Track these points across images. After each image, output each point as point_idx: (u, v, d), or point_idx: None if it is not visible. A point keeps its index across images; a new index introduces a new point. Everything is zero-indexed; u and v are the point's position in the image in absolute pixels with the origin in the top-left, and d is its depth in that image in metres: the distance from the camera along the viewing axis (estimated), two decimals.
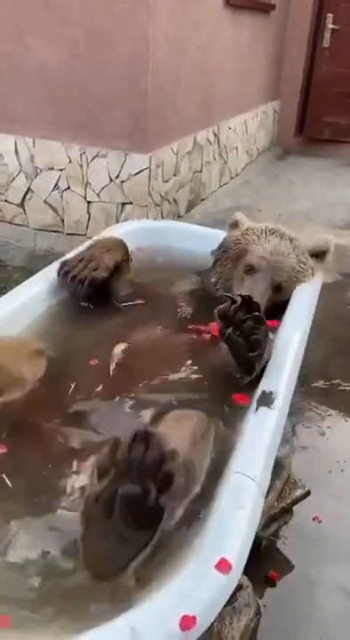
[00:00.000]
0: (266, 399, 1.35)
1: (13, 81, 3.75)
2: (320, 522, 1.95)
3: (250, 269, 1.95)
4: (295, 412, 2.42)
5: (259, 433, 1.25)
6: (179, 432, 1.28)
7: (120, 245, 2.12)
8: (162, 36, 3.53)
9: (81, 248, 2.09)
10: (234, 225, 2.19)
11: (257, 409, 1.32)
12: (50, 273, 2.00)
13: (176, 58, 3.81)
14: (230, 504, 1.05)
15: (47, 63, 3.64)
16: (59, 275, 1.97)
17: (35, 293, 1.92)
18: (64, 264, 1.99)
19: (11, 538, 1.13)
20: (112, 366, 1.65)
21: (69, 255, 2.06)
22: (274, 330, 1.70)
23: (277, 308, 1.91)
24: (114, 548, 1.06)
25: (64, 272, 1.96)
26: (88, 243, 2.13)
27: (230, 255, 2.08)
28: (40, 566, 1.09)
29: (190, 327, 1.89)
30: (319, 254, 2.11)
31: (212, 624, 1.42)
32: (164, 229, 2.54)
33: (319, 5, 6.36)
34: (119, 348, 1.73)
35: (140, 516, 1.03)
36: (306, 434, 2.38)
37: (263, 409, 1.32)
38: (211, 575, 0.92)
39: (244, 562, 1.01)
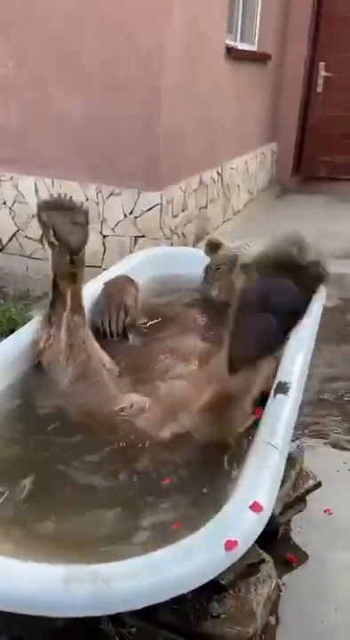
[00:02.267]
0: (283, 388, 1.58)
1: (36, 128, 4.10)
2: (330, 514, 2.15)
3: (245, 269, 2.27)
4: (305, 422, 2.64)
5: (279, 413, 1.47)
6: None
7: (130, 282, 2.41)
8: (171, 85, 3.89)
9: (99, 293, 2.34)
10: (216, 246, 2.56)
11: (275, 395, 1.55)
12: None
13: (184, 104, 4.16)
14: (259, 464, 1.27)
15: (67, 111, 3.99)
16: (104, 335, 2.19)
17: None
18: (100, 324, 2.21)
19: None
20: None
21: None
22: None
23: None
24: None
25: (103, 330, 2.20)
26: (101, 286, 2.37)
27: (224, 268, 2.40)
28: None
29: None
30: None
31: (240, 591, 1.62)
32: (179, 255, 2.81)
33: (312, 55, 6.84)
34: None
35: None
36: (316, 438, 2.59)
37: (280, 395, 1.55)
38: (247, 513, 1.13)
39: (271, 508, 1.22)
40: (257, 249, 2.49)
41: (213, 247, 2.59)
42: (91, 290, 2.27)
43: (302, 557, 1.97)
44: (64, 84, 3.95)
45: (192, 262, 2.68)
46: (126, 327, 2.17)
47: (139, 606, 0.99)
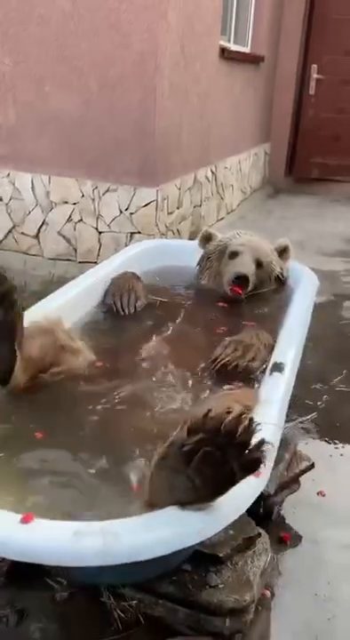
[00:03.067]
0: (278, 367, 1.64)
1: (33, 126, 4.16)
2: (323, 495, 2.21)
3: (234, 254, 2.38)
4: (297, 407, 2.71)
5: (274, 390, 1.54)
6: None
7: (136, 277, 2.54)
8: (167, 85, 3.96)
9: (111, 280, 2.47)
10: (209, 238, 2.70)
11: (271, 374, 1.61)
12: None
13: (179, 104, 4.23)
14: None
15: (63, 109, 4.05)
16: (114, 309, 2.35)
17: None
18: (111, 302, 2.38)
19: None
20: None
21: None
22: None
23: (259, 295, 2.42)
24: (180, 487, 1.19)
25: (114, 307, 2.36)
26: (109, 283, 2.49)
27: (213, 257, 2.51)
28: None
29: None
30: (282, 252, 2.63)
31: (237, 563, 1.68)
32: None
33: (304, 57, 6.94)
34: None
35: (215, 477, 1.15)
36: (308, 425, 2.66)
37: (276, 374, 1.61)
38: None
39: (267, 477, 1.28)
40: (246, 237, 2.61)
41: (206, 239, 2.70)
42: (90, 279, 2.36)
43: (296, 536, 2.04)
44: (60, 82, 4.01)
45: (189, 255, 2.76)
46: (136, 308, 2.28)
47: (143, 558, 1.05)
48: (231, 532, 1.71)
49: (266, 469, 1.24)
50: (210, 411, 1.15)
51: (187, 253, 2.70)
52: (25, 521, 1.06)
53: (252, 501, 1.20)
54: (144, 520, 1.10)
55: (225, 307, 2.46)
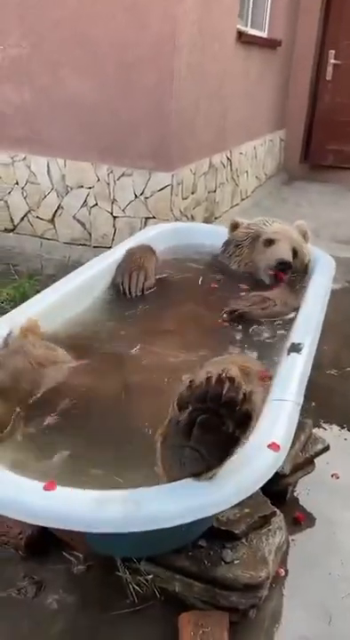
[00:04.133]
0: (296, 347, 1.64)
1: (48, 110, 4.15)
2: (338, 478, 2.22)
3: (270, 242, 2.38)
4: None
5: (292, 369, 1.54)
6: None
7: (150, 251, 2.52)
8: (184, 67, 3.93)
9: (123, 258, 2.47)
10: (235, 225, 2.73)
11: (289, 354, 1.62)
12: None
13: (195, 87, 4.20)
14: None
15: (79, 93, 4.04)
16: (121, 291, 2.36)
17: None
18: (120, 280, 2.38)
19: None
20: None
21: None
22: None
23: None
24: (188, 460, 1.22)
25: (122, 286, 2.37)
26: (124, 251, 2.48)
27: (244, 244, 2.51)
28: None
29: None
30: (302, 234, 2.69)
31: (252, 540, 1.70)
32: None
33: (321, 42, 6.85)
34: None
35: (217, 442, 1.17)
36: (323, 409, 2.66)
37: (293, 354, 1.62)
38: (266, 452, 1.20)
39: (286, 451, 1.29)
40: (277, 226, 2.61)
41: (234, 227, 2.72)
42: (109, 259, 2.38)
43: (310, 517, 2.05)
44: (76, 66, 3.99)
45: (206, 236, 2.77)
46: (144, 289, 2.28)
47: (162, 526, 1.06)
48: (247, 509, 1.73)
49: (283, 445, 1.25)
50: (192, 381, 1.17)
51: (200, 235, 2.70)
52: (48, 488, 1.09)
53: (270, 475, 1.21)
54: (164, 490, 1.11)
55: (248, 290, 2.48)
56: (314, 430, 2.39)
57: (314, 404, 2.68)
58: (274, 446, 1.21)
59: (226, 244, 2.66)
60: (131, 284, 2.32)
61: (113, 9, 3.80)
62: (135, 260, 2.40)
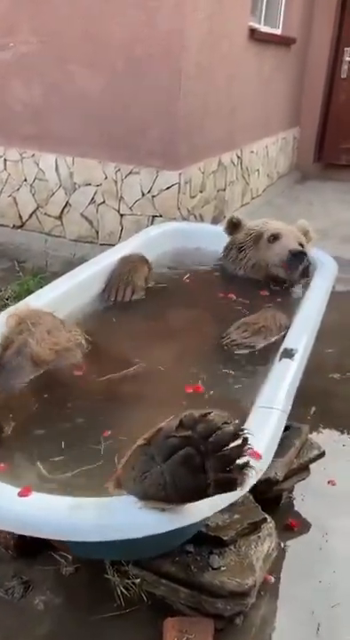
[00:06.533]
0: (288, 353, 1.62)
1: (57, 105, 4.15)
2: (334, 485, 2.19)
3: (276, 237, 2.36)
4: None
5: (282, 376, 1.52)
6: None
7: (143, 262, 2.50)
8: (192, 65, 3.90)
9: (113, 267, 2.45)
10: (236, 225, 2.69)
11: (280, 359, 1.60)
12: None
13: (204, 85, 4.17)
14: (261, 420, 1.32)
15: (88, 89, 4.03)
16: (106, 299, 2.35)
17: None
18: (108, 292, 2.37)
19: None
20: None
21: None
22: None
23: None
24: (151, 478, 1.14)
25: (107, 299, 2.36)
26: (116, 262, 2.47)
27: (246, 246, 2.48)
28: None
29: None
30: (304, 234, 2.65)
31: (241, 547, 1.68)
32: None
33: (337, 40, 6.76)
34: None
35: (185, 482, 1.09)
36: (323, 414, 2.63)
37: (285, 360, 1.59)
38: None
39: (269, 461, 1.27)
40: (278, 223, 2.60)
41: (233, 226, 2.66)
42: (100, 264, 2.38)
43: (304, 523, 2.03)
44: (85, 62, 3.98)
45: (209, 239, 2.74)
46: (131, 302, 2.28)
47: (139, 535, 1.05)
48: (237, 515, 1.72)
49: (265, 455, 1.22)
50: (209, 413, 1.08)
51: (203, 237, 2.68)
52: (23, 494, 1.08)
53: (249, 487, 1.18)
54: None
55: (266, 295, 2.46)
56: (312, 435, 2.37)
57: (314, 408, 2.66)
58: (255, 455, 1.19)
59: (228, 248, 2.63)
60: (118, 296, 2.32)
61: (123, 5, 3.78)
62: (123, 275, 2.39)
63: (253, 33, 4.87)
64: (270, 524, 1.76)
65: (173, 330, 1.99)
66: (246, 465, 1.05)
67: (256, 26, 5.10)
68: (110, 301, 2.30)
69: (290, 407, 1.44)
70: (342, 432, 2.54)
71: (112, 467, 1.29)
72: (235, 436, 1.05)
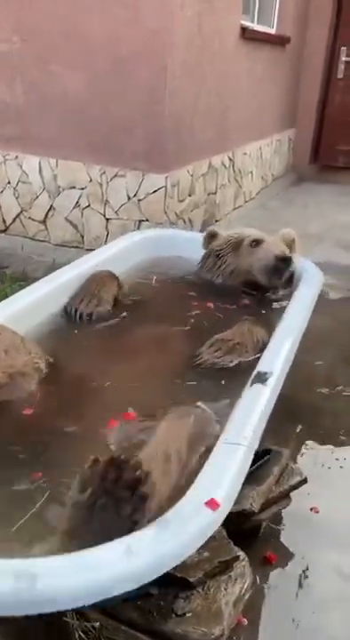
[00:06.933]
0: (260, 377, 1.48)
1: (39, 106, 4.01)
2: (317, 512, 2.05)
3: (258, 242, 2.24)
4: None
5: (252, 405, 1.38)
6: (174, 437, 1.39)
7: (111, 279, 2.37)
8: (179, 64, 3.76)
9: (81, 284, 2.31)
10: (214, 236, 2.58)
11: (252, 385, 1.45)
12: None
13: (193, 85, 4.03)
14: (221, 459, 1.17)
15: (70, 89, 3.89)
16: (66, 312, 2.20)
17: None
18: (70, 304, 2.22)
19: None
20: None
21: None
22: None
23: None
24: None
25: (70, 310, 2.20)
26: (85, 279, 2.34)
27: (224, 253, 2.35)
28: None
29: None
30: (289, 244, 2.48)
31: (209, 589, 1.54)
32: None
33: (333, 39, 6.62)
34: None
35: (116, 523, 1.16)
36: (309, 432, 2.49)
37: (257, 385, 1.45)
38: (201, 511, 1.04)
39: (229, 508, 1.13)
40: (258, 231, 2.46)
41: (211, 237, 2.56)
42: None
43: (284, 555, 1.88)
44: (68, 61, 3.85)
45: (191, 246, 2.60)
46: (96, 316, 2.12)
47: (67, 607, 0.91)
48: (206, 553, 1.57)
49: (224, 503, 1.08)
50: (96, 460, 1.18)
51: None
52: None
53: (203, 541, 1.05)
54: (68, 560, 0.95)
55: (246, 304, 2.32)
56: (297, 456, 2.23)
57: (300, 426, 2.52)
58: (212, 504, 1.05)
59: (205, 257, 2.50)
60: (80, 308, 2.18)
61: (106, 2, 3.65)
62: (89, 288, 2.25)
63: (244, 31, 4.73)
64: (243, 562, 1.61)
65: (141, 348, 1.85)
66: (147, 474, 1.13)
67: (248, 24, 4.97)
68: (72, 314, 2.15)
69: (258, 441, 1.30)
70: (328, 452, 2.39)
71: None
72: (120, 462, 1.15)
